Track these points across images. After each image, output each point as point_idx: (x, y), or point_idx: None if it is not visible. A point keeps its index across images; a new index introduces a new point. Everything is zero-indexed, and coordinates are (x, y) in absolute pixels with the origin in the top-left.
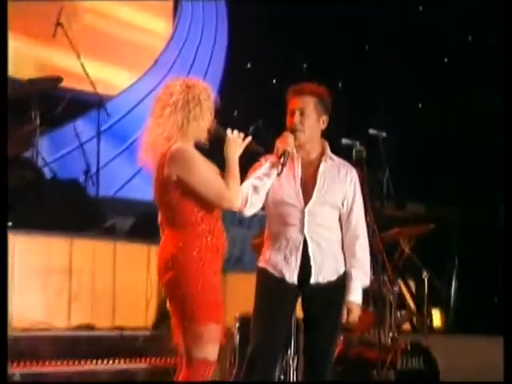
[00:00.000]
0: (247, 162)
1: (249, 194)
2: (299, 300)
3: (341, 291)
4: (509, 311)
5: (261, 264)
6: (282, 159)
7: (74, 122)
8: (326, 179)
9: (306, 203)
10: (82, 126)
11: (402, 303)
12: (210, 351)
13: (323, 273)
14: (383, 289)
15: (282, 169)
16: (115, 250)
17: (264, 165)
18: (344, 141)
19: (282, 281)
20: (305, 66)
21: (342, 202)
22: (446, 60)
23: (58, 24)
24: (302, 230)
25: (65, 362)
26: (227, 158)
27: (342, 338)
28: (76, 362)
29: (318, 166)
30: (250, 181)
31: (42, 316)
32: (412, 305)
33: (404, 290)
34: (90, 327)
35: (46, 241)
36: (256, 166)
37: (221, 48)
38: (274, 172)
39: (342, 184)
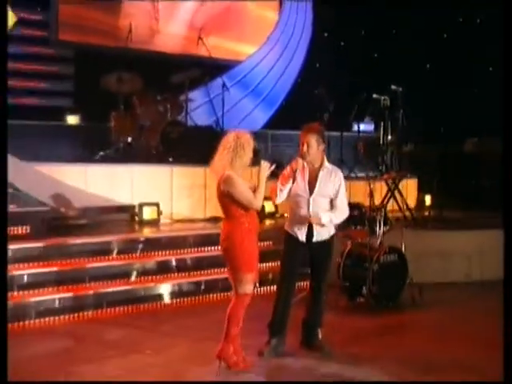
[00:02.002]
0: None
1: (278, 193)
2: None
3: (330, 246)
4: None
5: (285, 228)
6: (295, 173)
7: (207, 83)
8: (322, 181)
9: (310, 195)
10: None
11: (386, 221)
12: (248, 288)
13: (320, 235)
14: (374, 214)
15: (294, 180)
16: None
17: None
18: (374, 95)
19: (296, 239)
20: (363, 32)
21: (332, 193)
22: (445, 35)
23: (200, 38)
24: (308, 211)
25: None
26: (259, 178)
27: (350, 243)
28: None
29: (318, 173)
30: (279, 185)
31: (189, 212)
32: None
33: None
34: (217, 218)
35: (191, 169)
36: (284, 172)
37: (308, 25)
38: (291, 180)
39: (332, 183)
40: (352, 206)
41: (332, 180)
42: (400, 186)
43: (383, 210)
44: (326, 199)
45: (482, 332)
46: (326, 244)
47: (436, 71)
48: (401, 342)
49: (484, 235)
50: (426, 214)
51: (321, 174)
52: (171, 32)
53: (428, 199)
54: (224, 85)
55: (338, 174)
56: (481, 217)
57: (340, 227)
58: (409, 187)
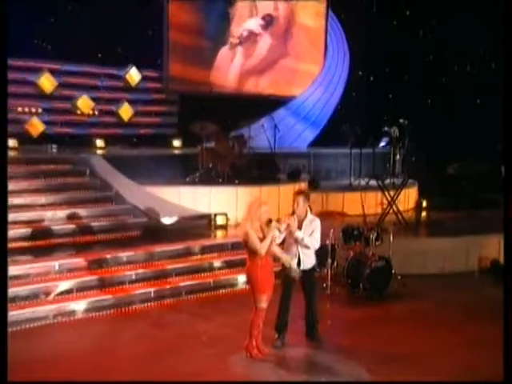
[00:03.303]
0: None
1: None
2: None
3: (313, 272)
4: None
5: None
6: (288, 225)
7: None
8: (306, 226)
9: None
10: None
11: (377, 238)
12: (263, 305)
13: (306, 265)
14: (368, 233)
15: (288, 228)
16: (279, 189)
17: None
18: (385, 128)
19: (290, 268)
20: (387, 70)
21: (311, 233)
22: (443, 80)
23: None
24: (297, 248)
25: None
26: (267, 234)
27: (352, 253)
28: None
29: (303, 221)
30: (277, 234)
31: None
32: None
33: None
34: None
35: (250, 188)
36: (283, 220)
37: (346, 66)
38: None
39: (312, 226)
40: (353, 228)
41: (312, 225)
42: (403, 193)
43: (377, 229)
44: (307, 237)
45: (453, 320)
46: (311, 271)
47: (435, 108)
48: (383, 332)
49: (453, 240)
50: (418, 217)
51: (305, 222)
52: (247, 81)
53: (424, 203)
54: (276, 126)
55: (316, 221)
56: (460, 218)
57: (345, 242)
58: (410, 193)
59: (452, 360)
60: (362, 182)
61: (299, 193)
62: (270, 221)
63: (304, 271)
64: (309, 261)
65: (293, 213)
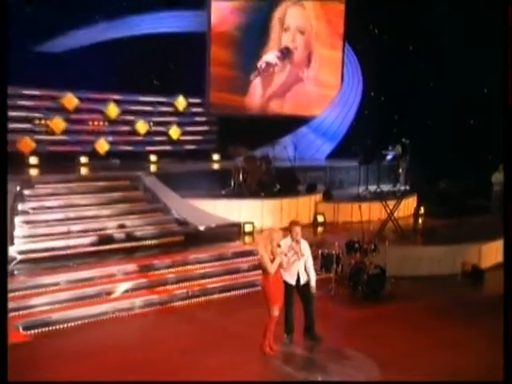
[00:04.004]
0: None
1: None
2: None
3: (308, 285)
4: None
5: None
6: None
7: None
8: (303, 250)
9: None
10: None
11: (375, 249)
12: (275, 313)
13: (303, 280)
14: (366, 246)
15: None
16: (298, 201)
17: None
18: (390, 147)
19: (290, 284)
20: (395, 93)
21: (305, 254)
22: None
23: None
24: (296, 267)
25: None
26: (276, 256)
27: (353, 261)
28: None
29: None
30: (282, 257)
31: (271, 225)
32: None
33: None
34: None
35: (273, 201)
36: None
37: (360, 88)
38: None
39: (305, 250)
40: (354, 242)
41: (305, 248)
42: (403, 202)
43: (374, 241)
44: (303, 259)
45: (439, 320)
46: (306, 284)
47: (434, 127)
48: (379, 331)
49: (443, 248)
50: (415, 225)
51: (301, 245)
52: (273, 105)
53: (421, 210)
54: (295, 146)
55: (306, 244)
56: (451, 226)
57: (348, 253)
58: (410, 202)
59: (435, 358)
60: (368, 195)
61: (296, 223)
62: (279, 245)
63: (301, 285)
64: (305, 277)
65: (292, 239)
